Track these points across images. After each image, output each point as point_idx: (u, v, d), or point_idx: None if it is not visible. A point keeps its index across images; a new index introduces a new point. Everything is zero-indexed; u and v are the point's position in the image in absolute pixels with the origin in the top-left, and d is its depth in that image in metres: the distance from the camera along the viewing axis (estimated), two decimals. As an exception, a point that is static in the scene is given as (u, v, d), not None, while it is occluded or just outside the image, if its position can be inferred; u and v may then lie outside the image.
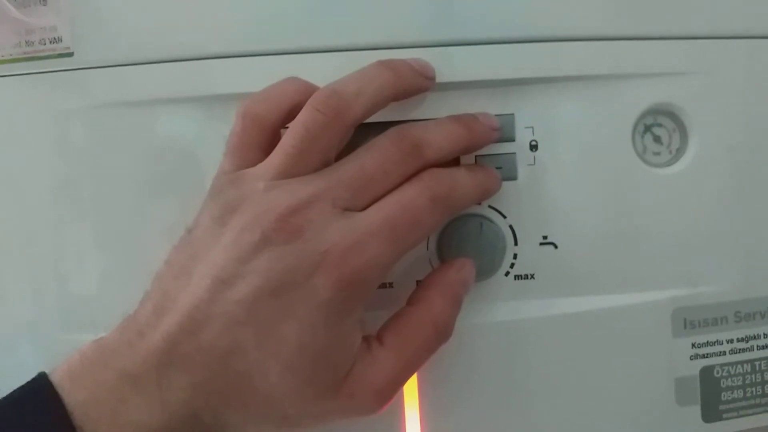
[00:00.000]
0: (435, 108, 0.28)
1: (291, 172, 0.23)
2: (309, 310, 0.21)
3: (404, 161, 0.24)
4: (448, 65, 0.28)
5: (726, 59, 0.29)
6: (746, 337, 0.29)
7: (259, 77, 0.27)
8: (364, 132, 0.26)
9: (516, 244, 0.28)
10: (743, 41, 0.29)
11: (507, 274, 0.28)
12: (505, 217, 0.28)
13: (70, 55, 0.27)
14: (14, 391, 0.22)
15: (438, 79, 0.28)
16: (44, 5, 0.27)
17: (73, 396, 0.21)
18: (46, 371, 0.22)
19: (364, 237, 0.22)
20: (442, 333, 0.25)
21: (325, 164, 0.24)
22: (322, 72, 0.27)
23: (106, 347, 0.22)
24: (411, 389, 0.28)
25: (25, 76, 0.27)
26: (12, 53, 0.27)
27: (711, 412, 0.29)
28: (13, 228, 0.28)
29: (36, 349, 0.28)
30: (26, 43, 0.27)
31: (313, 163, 0.24)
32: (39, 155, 0.28)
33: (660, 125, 0.29)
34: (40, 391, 0.21)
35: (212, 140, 0.27)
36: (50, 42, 0.27)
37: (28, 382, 0.22)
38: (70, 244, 0.28)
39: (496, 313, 0.28)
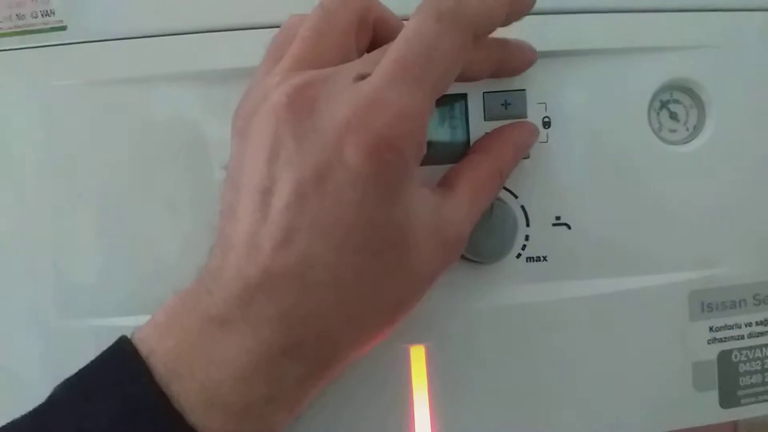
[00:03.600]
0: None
1: (309, 58, 0.21)
2: (356, 189, 0.20)
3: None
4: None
5: (744, 32, 0.28)
6: (765, 320, 0.28)
7: (259, 51, 0.26)
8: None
9: (528, 225, 0.27)
10: (761, 13, 0.28)
11: (518, 256, 0.27)
12: (516, 197, 0.27)
13: (63, 29, 0.26)
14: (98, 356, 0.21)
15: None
16: (36, -23, 0.26)
17: (162, 344, 0.20)
18: (127, 335, 0.21)
19: (380, 91, 0.20)
20: (503, 182, 0.26)
21: (346, 53, 0.22)
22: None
23: (186, 297, 0.21)
24: (420, 372, 0.27)
25: (16, 51, 0.26)
26: (2, 27, 0.26)
27: (729, 397, 0.28)
28: (5, 209, 0.27)
29: (34, 336, 0.27)
30: (17, 16, 0.26)
31: (333, 48, 0.22)
32: (32, 134, 0.27)
33: (677, 101, 0.28)
34: (121, 353, 0.21)
35: (211, 117, 0.27)
36: (42, 15, 0.26)
37: (110, 346, 0.21)
38: (66, 225, 0.27)
39: (507, 296, 0.27)
